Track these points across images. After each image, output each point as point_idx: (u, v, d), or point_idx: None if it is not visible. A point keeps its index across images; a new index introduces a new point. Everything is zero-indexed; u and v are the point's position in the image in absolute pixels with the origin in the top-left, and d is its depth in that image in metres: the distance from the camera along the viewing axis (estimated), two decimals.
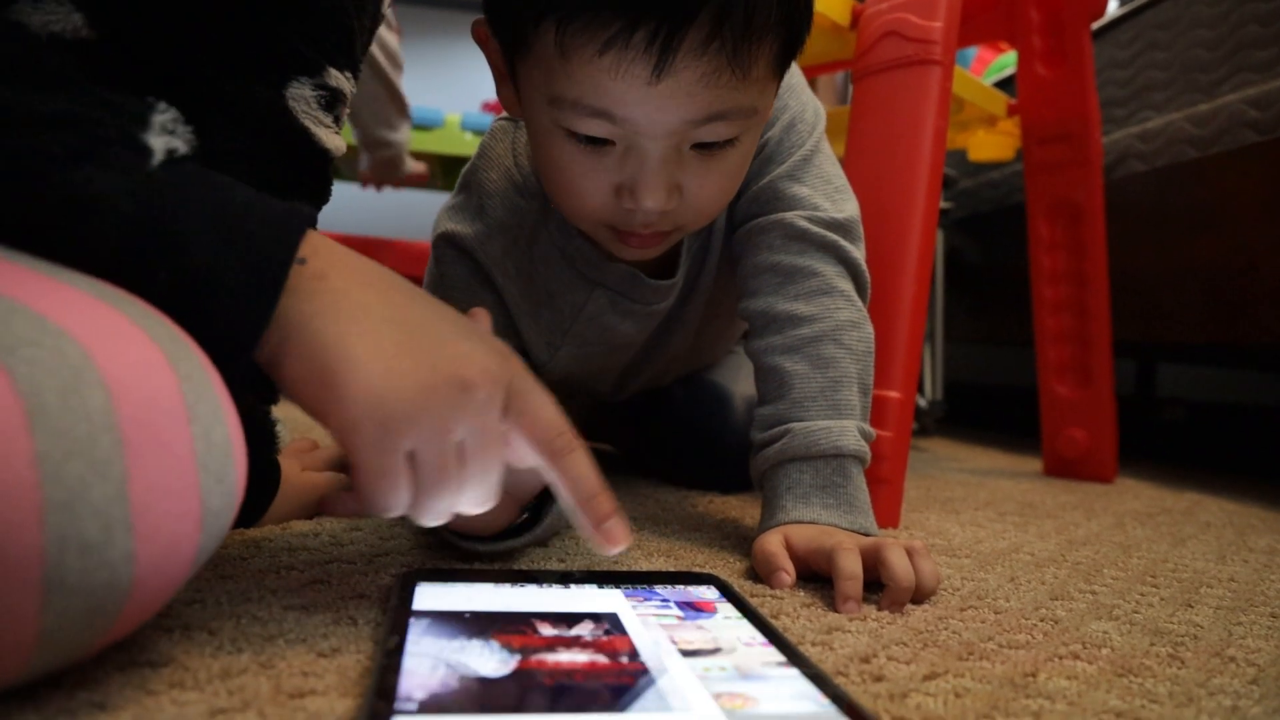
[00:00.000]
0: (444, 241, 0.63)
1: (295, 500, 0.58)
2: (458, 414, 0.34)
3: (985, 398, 2.09)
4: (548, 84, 0.49)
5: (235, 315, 0.33)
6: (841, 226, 0.61)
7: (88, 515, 0.26)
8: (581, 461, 0.37)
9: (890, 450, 0.69)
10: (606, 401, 0.82)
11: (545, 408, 0.37)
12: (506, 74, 0.54)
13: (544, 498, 0.54)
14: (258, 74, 0.49)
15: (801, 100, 0.64)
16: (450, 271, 0.63)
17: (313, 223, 0.38)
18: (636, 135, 0.48)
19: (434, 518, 0.36)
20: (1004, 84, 1.59)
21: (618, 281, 0.63)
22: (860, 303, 0.60)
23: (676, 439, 0.82)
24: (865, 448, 0.56)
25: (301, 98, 0.50)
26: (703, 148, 0.50)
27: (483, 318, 0.43)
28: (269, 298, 0.33)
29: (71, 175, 0.31)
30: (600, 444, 1.00)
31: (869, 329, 0.60)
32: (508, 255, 0.63)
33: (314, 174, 0.51)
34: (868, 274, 0.62)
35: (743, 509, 0.73)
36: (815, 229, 0.60)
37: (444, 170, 2.15)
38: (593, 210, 0.53)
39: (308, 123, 0.50)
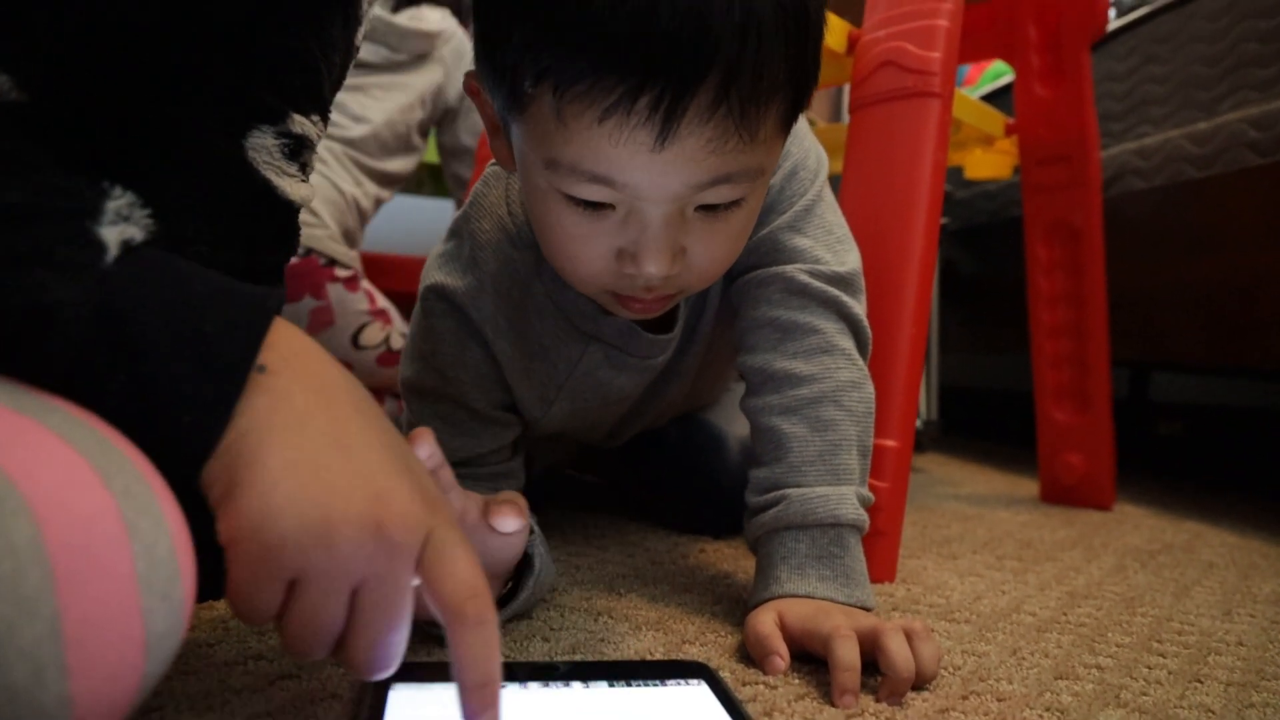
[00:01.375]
0: (433, 294, 0.61)
1: None
2: (358, 558, 0.30)
3: (981, 402, 2.07)
4: (544, 146, 0.46)
5: (190, 426, 0.31)
6: (843, 280, 0.59)
7: (15, 659, 0.24)
8: (488, 639, 0.32)
9: (887, 501, 0.67)
10: (599, 447, 0.79)
11: (464, 566, 0.32)
12: (500, 127, 0.51)
13: (521, 565, 0.52)
14: (215, 124, 0.46)
15: (804, 146, 0.61)
16: (439, 325, 0.61)
17: (278, 308, 0.35)
18: (638, 200, 0.46)
19: (306, 657, 0.32)
20: (1000, 93, 1.57)
21: (614, 335, 0.61)
22: (861, 361, 0.58)
23: (669, 479, 0.80)
24: (864, 516, 0.54)
25: (263, 148, 0.47)
26: (707, 209, 0.48)
27: (425, 441, 0.41)
28: (225, 409, 0.31)
29: (24, 281, 0.29)
30: (589, 475, 0.98)
31: (869, 388, 0.57)
32: (500, 310, 0.60)
33: (278, 227, 0.49)
34: (869, 329, 0.60)
35: (735, 560, 0.71)
36: (816, 284, 0.57)
37: (431, 176, 2.12)
38: (592, 275, 0.50)
39: (269, 174, 0.47)
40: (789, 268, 0.58)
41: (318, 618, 0.31)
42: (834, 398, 0.55)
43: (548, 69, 0.43)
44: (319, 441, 0.32)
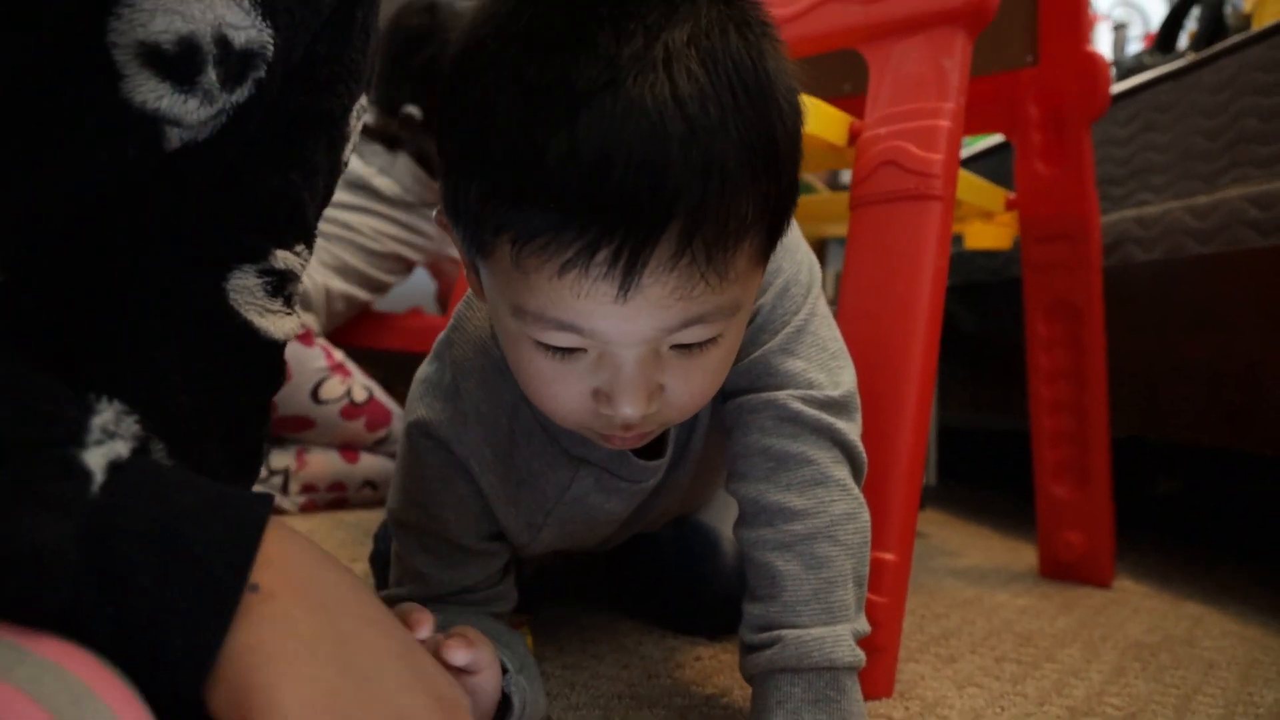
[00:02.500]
0: (417, 430, 0.60)
1: None
2: None
3: (979, 443, 2.07)
4: (509, 293, 0.46)
5: (182, 654, 0.31)
6: (837, 405, 0.58)
7: None
8: None
9: (885, 616, 0.66)
10: (590, 554, 0.79)
11: None
12: (471, 263, 0.51)
13: (503, 706, 0.51)
14: (195, 270, 0.46)
15: (795, 259, 0.60)
16: (424, 460, 0.60)
17: (267, 513, 0.35)
18: (608, 344, 0.46)
19: None
20: (992, 152, 1.57)
21: (604, 459, 0.60)
22: (856, 488, 0.57)
23: (662, 581, 0.79)
24: (859, 654, 0.53)
25: (244, 289, 0.47)
26: (682, 347, 0.47)
27: (424, 625, 0.41)
28: (218, 630, 0.31)
29: (12, 526, 0.29)
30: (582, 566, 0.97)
31: (865, 516, 0.57)
32: (485, 441, 0.59)
33: (263, 366, 0.49)
34: (864, 454, 0.59)
35: (732, 671, 0.70)
36: (810, 411, 0.57)
37: None
38: (570, 414, 0.50)
39: (251, 316, 0.47)
40: (781, 394, 0.57)
41: None
42: (829, 533, 0.54)
43: (505, 223, 0.43)
44: (330, 669, 0.32)
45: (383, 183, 1.39)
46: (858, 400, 0.60)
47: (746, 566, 0.57)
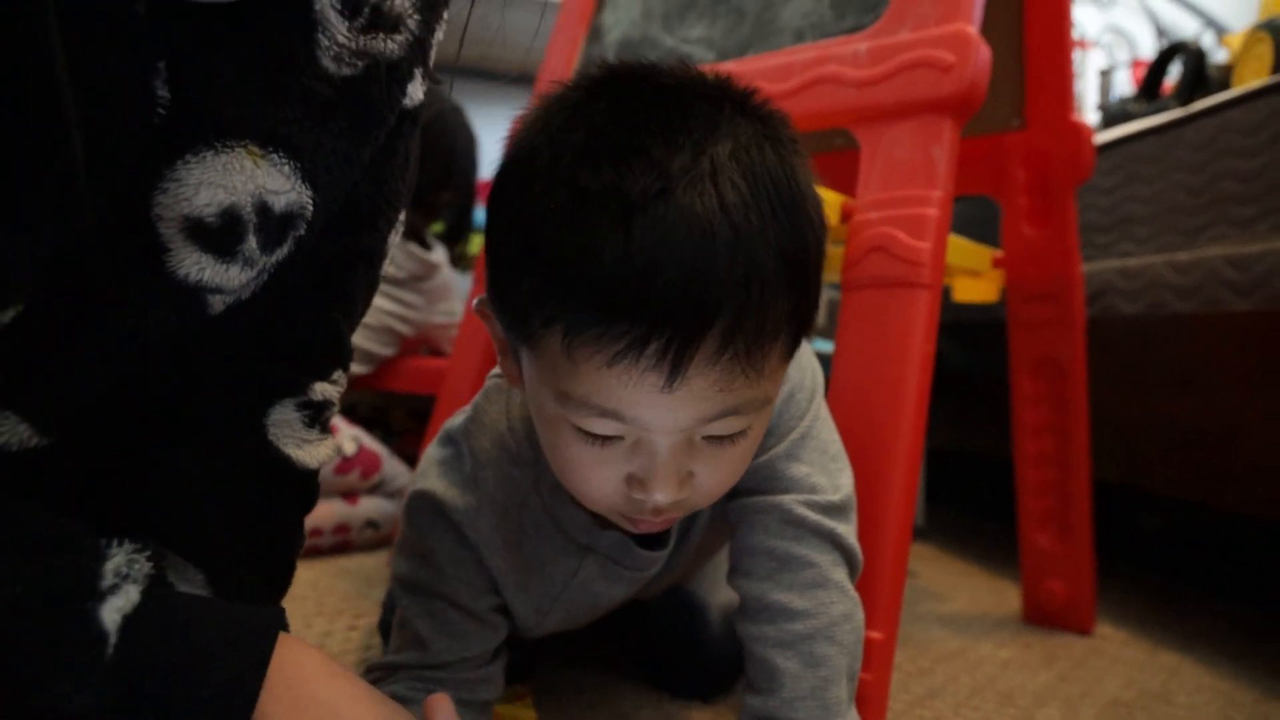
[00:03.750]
0: (429, 507, 0.63)
1: None
2: None
3: (965, 468, 2.10)
4: (555, 380, 0.48)
5: None
6: (837, 509, 0.61)
7: None
8: None
9: (872, 692, 0.69)
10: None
11: None
12: (510, 349, 0.54)
13: None
14: (235, 408, 0.48)
15: (800, 366, 0.64)
16: (437, 543, 0.63)
17: (277, 632, 0.38)
18: (647, 431, 0.49)
19: None
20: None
21: (609, 548, 0.63)
22: (852, 588, 0.61)
23: (653, 647, 0.82)
24: None
25: (284, 422, 0.50)
26: (714, 437, 0.50)
27: (443, 710, 0.43)
28: None
29: (45, 697, 0.32)
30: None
31: (860, 615, 0.60)
32: (497, 530, 0.62)
33: (297, 492, 0.51)
34: (860, 554, 0.62)
35: None
36: (813, 516, 0.60)
37: None
38: (602, 498, 0.53)
39: (289, 449, 0.49)
40: (787, 498, 0.60)
41: None
42: (827, 633, 0.57)
43: (557, 316, 0.46)
44: None
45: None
46: (855, 500, 0.64)
47: (747, 660, 0.60)
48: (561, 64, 1.17)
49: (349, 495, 1.30)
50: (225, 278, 0.41)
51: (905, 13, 0.85)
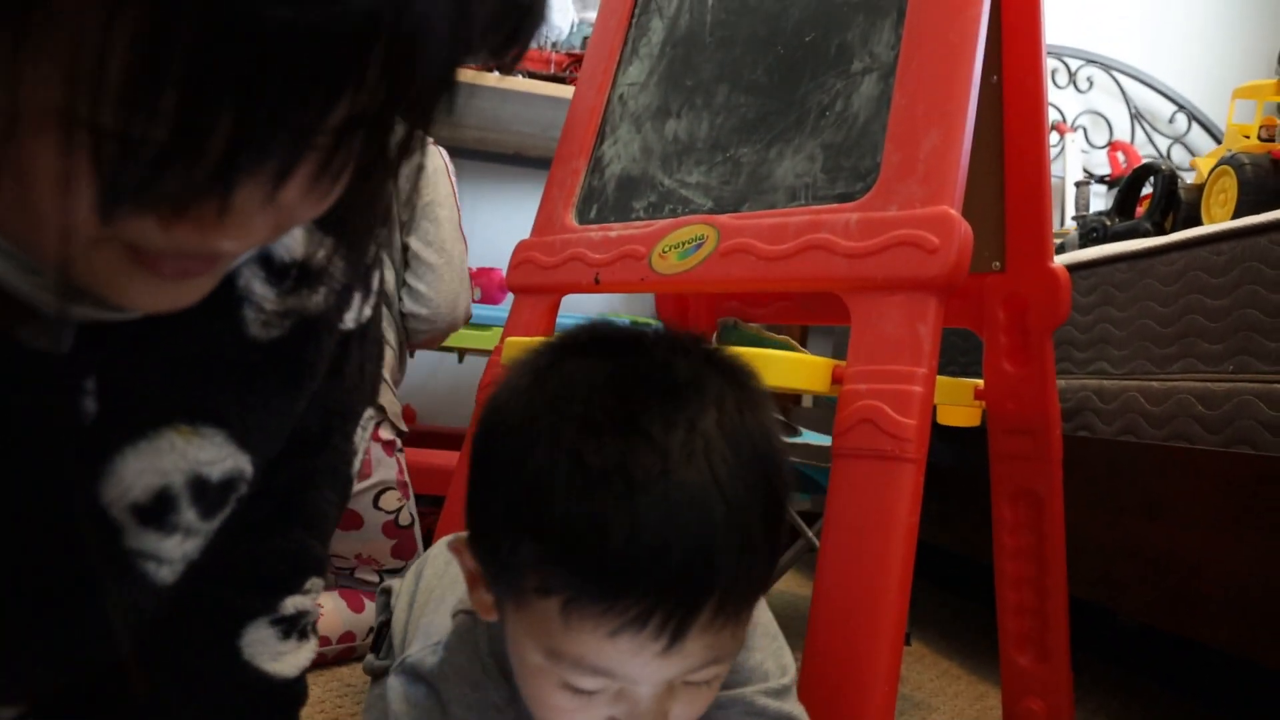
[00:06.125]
0: (410, 675, 0.61)
1: None
2: None
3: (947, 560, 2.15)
4: (545, 638, 0.51)
5: None
6: (787, 690, 0.66)
7: None
8: None
9: None
10: None
11: None
12: (487, 585, 0.55)
13: None
14: (207, 635, 0.50)
15: None
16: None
17: None
18: (633, 684, 0.52)
19: None
20: None
21: None
22: None
23: None
24: None
25: (257, 641, 0.51)
26: (694, 682, 0.55)
27: None
28: None
29: None
30: None
31: None
32: None
33: (274, 701, 0.53)
34: None
35: None
36: (773, 704, 0.65)
37: None
38: None
39: (265, 664, 0.51)
40: (748, 690, 0.65)
41: None
42: None
43: (559, 587, 0.49)
44: None
45: None
46: (795, 674, 0.69)
47: None
48: (564, 195, 1.22)
49: (351, 593, 1.33)
50: (165, 548, 0.42)
51: (893, 189, 0.91)
